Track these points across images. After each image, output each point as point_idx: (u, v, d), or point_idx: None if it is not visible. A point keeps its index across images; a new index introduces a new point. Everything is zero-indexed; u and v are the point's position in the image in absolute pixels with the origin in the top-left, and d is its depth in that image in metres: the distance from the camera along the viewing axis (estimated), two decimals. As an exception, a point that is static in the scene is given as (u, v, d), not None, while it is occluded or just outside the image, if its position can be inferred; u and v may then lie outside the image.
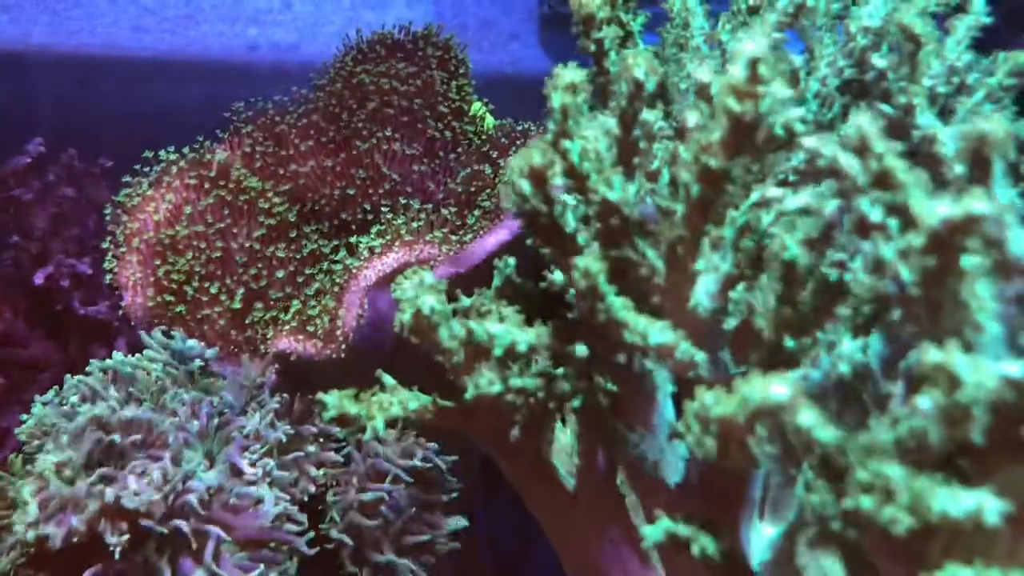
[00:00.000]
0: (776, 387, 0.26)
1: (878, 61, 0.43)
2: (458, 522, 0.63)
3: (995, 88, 0.44)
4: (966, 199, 0.27)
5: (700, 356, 0.32)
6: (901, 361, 0.35)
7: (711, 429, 0.27)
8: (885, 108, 0.43)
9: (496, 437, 0.40)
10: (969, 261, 0.28)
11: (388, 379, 0.39)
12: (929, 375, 0.26)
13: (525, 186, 0.32)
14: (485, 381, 0.36)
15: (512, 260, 0.41)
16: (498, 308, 0.38)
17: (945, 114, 0.44)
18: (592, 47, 0.41)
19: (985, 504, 0.25)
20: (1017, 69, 0.44)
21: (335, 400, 0.37)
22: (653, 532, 0.31)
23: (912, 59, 0.42)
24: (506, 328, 0.35)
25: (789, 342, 0.31)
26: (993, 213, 0.27)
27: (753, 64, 0.28)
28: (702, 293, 0.33)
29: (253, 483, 0.57)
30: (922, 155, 0.41)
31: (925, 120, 0.41)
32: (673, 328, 0.32)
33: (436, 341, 0.36)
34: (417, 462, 0.62)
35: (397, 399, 0.38)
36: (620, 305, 0.31)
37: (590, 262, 0.31)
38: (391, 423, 0.37)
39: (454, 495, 0.65)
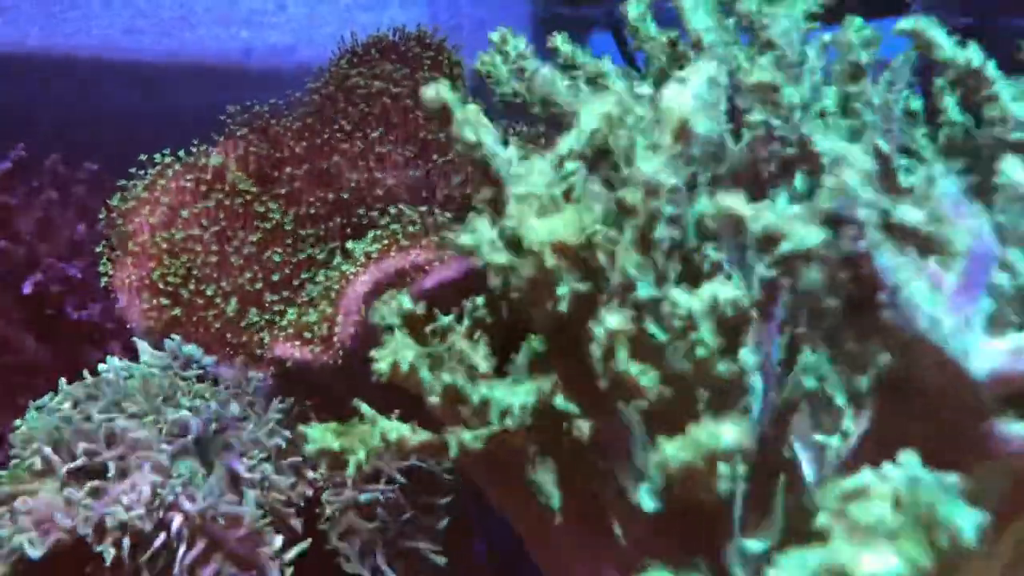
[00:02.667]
0: (725, 432, 0.27)
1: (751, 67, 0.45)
2: (453, 528, 0.63)
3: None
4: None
5: (668, 392, 0.32)
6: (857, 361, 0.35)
7: (673, 476, 0.28)
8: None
9: (477, 469, 0.40)
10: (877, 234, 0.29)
11: (367, 409, 0.40)
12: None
13: (552, 260, 0.32)
14: (469, 438, 0.36)
15: (481, 300, 0.41)
16: (468, 350, 0.38)
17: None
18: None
19: None
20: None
21: (318, 434, 0.38)
22: None
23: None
24: (503, 391, 0.36)
25: (711, 376, 0.31)
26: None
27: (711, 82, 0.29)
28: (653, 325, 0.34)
29: (252, 487, 0.57)
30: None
31: (825, 145, 0.42)
32: (649, 370, 0.32)
33: (416, 387, 0.37)
34: (412, 462, 0.63)
35: (377, 431, 0.38)
36: (625, 360, 0.32)
37: (619, 323, 0.31)
38: (372, 456, 0.38)
39: (450, 497, 0.65)
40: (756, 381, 0.33)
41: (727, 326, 0.31)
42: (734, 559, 0.36)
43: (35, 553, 0.50)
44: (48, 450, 0.54)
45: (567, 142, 0.37)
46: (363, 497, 0.60)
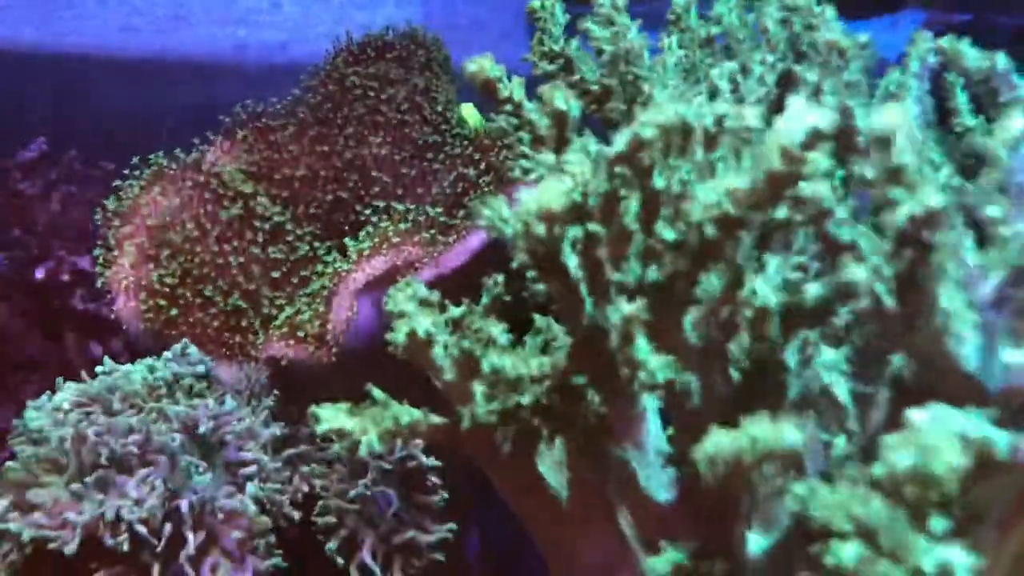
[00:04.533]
0: (788, 433, 0.27)
1: (809, 75, 0.44)
2: (448, 528, 0.64)
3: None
4: (922, 194, 0.28)
5: (695, 386, 0.32)
6: (877, 364, 0.36)
7: (718, 469, 0.28)
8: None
9: (486, 453, 0.40)
10: (938, 259, 0.29)
11: (378, 393, 0.39)
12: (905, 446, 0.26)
13: (541, 229, 0.32)
14: (482, 412, 0.36)
15: (501, 278, 0.41)
16: (487, 327, 0.38)
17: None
18: (507, 106, 0.42)
19: (955, 559, 0.25)
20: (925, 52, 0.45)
21: (330, 414, 0.37)
22: (659, 564, 0.32)
23: (840, 72, 0.43)
24: (511, 361, 0.36)
25: (765, 369, 0.32)
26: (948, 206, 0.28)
27: (814, 134, 0.28)
28: (691, 321, 0.34)
29: (250, 479, 0.58)
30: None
31: (866, 124, 0.42)
32: (675, 362, 0.32)
33: (430, 362, 0.37)
34: (402, 455, 0.63)
35: (390, 414, 0.38)
36: (645, 350, 0.32)
37: (635, 309, 0.31)
38: (384, 437, 0.38)
39: (445, 495, 0.65)
40: (789, 378, 0.33)
41: (791, 324, 0.31)
42: (742, 552, 0.37)
43: (70, 549, 0.51)
44: (55, 447, 0.55)
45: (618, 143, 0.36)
46: (352, 492, 0.61)
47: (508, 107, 0.43)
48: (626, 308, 0.31)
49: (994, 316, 0.32)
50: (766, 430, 0.27)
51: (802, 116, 0.28)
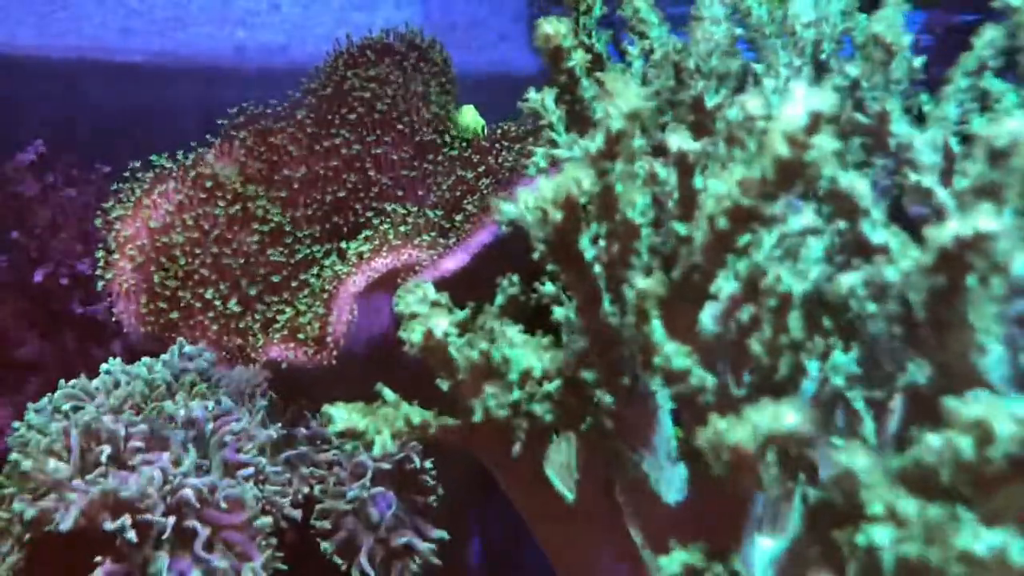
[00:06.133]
0: (788, 415, 0.26)
1: (851, 70, 0.44)
2: (440, 534, 0.64)
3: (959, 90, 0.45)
4: (974, 216, 0.27)
5: (710, 380, 0.32)
6: (890, 370, 0.35)
7: (723, 456, 0.27)
8: (860, 118, 0.43)
9: (495, 451, 0.40)
10: (975, 281, 0.29)
11: (389, 393, 0.39)
12: (962, 426, 0.25)
13: (558, 215, 0.31)
14: (494, 404, 0.36)
15: (516, 278, 0.41)
16: (502, 327, 0.38)
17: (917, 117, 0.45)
18: (564, 77, 0.42)
19: (1009, 543, 0.25)
20: (969, 68, 0.45)
21: (343, 414, 0.37)
22: (669, 564, 0.32)
23: (885, 68, 0.43)
24: (522, 352, 0.36)
25: (784, 365, 0.31)
26: (1001, 230, 0.27)
27: (815, 117, 0.27)
28: (708, 316, 0.34)
29: (248, 479, 0.58)
30: (901, 163, 0.42)
31: (901, 128, 0.42)
32: (691, 352, 0.32)
33: (446, 361, 0.37)
34: (399, 457, 0.63)
35: (401, 414, 0.38)
36: (660, 331, 0.31)
37: (650, 285, 0.31)
38: (397, 437, 0.38)
39: (442, 493, 0.66)
40: (805, 381, 0.33)
41: (811, 319, 0.31)
42: (750, 555, 0.37)
43: (65, 525, 0.51)
44: (60, 440, 0.55)
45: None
46: (350, 494, 0.61)
47: (565, 79, 0.42)
48: (641, 283, 0.31)
49: (1020, 333, 0.32)
50: (766, 415, 0.26)
51: (802, 100, 0.27)
